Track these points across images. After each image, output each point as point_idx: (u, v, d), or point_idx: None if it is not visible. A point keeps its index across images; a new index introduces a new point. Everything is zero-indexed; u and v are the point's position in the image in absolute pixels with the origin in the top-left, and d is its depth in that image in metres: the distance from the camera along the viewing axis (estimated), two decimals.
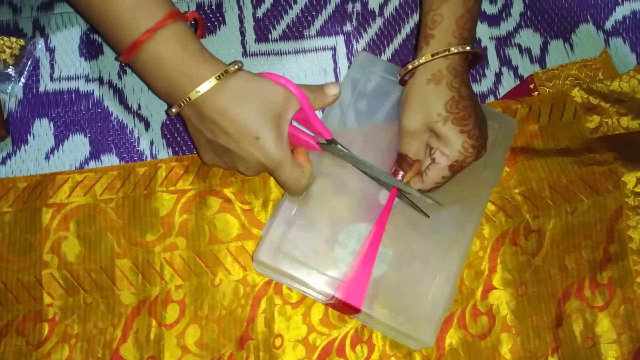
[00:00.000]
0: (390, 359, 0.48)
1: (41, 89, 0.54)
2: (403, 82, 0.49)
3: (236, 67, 0.43)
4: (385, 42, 0.57)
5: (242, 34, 0.56)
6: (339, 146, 0.48)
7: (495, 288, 0.50)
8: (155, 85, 0.45)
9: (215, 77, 0.42)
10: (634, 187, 0.52)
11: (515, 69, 0.57)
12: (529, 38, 0.58)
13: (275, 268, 0.47)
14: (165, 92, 0.44)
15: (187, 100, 0.42)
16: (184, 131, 0.53)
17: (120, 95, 0.54)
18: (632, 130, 0.54)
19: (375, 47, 0.57)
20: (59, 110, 0.53)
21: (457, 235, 0.49)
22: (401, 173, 0.48)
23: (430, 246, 0.48)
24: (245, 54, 0.56)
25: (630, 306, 0.49)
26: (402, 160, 0.48)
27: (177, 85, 0.43)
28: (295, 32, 0.56)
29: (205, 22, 0.54)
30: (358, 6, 0.57)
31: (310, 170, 0.47)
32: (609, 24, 0.59)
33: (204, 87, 0.42)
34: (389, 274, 0.47)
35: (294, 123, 0.47)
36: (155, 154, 0.53)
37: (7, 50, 0.53)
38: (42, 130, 0.53)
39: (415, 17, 0.58)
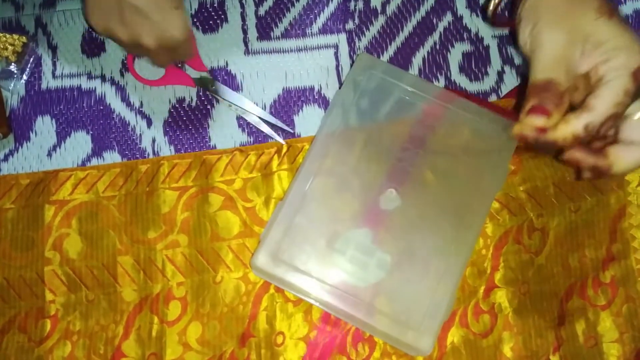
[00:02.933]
0: (391, 357, 0.48)
1: (43, 86, 0.54)
2: (496, 18, 0.41)
3: None
4: (387, 40, 0.57)
5: (245, 31, 0.56)
6: (214, 83, 0.48)
7: (498, 286, 0.50)
8: None
9: None
10: (637, 185, 0.52)
11: (517, 68, 0.57)
12: None
13: (273, 274, 0.47)
14: None
15: None
16: (186, 128, 0.53)
17: (122, 92, 0.54)
18: None
19: (378, 45, 0.57)
20: (61, 107, 0.53)
21: (459, 241, 0.48)
22: (540, 118, 0.34)
23: (431, 253, 0.48)
24: (247, 51, 0.55)
25: (633, 305, 0.49)
26: (545, 92, 0.34)
27: None
28: (297, 30, 0.56)
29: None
30: (360, 4, 0.57)
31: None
32: None
33: None
34: (387, 281, 0.47)
35: None
36: (158, 152, 0.53)
37: (10, 48, 0.53)
38: (45, 127, 0.53)
39: (418, 15, 0.58)
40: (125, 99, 0.54)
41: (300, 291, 0.46)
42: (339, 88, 0.54)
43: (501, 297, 0.49)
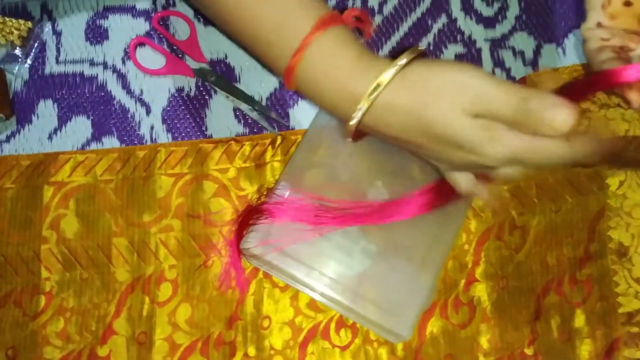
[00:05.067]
0: (372, 344, 0.50)
1: (47, 71, 0.55)
2: None
3: (397, 66, 0.33)
4: (382, 39, 0.58)
5: None
6: (212, 74, 0.51)
7: (478, 280, 0.52)
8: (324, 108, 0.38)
9: (368, 96, 0.34)
10: (616, 189, 0.54)
11: (508, 71, 0.59)
12: (523, 41, 0.60)
13: (262, 258, 0.48)
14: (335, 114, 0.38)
15: (352, 124, 0.36)
16: (184, 117, 0.55)
17: (123, 80, 0.55)
18: (617, 136, 0.56)
19: (374, 44, 0.58)
20: (64, 92, 0.55)
21: (441, 234, 0.50)
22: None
23: (414, 245, 0.50)
24: None
25: (606, 303, 0.51)
26: None
27: (341, 108, 0.37)
28: None
29: (368, 17, 0.45)
30: (358, 2, 0.59)
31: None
32: None
33: (358, 114, 0.35)
34: (372, 270, 0.49)
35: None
36: (155, 139, 0.54)
37: (15, 32, 0.55)
38: (47, 110, 0.54)
39: (414, 16, 0.59)
40: (125, 87, 0.55)
41: (289, 275, 0.48)
42: None
43: (481, 290, 0.51)
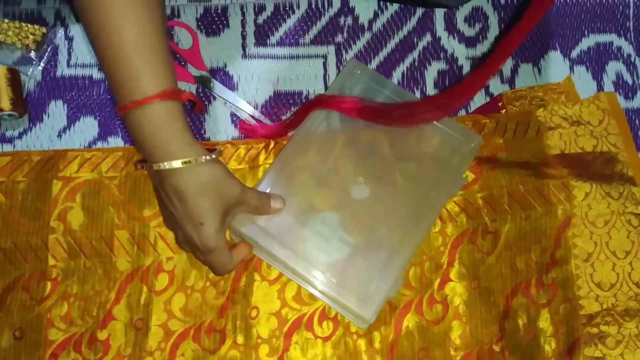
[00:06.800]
0: (352, 336, 0.54)
1: (58, 73, 0.59)
2: None
3: (207, 157, 0.46)
4: (371, 54, 0.63)
5: (243, 37, 0.62)
6: (212, 82, 0.58)
7: (452, 280, 0.56)
8: (136, 143, 0.47)
9: (183, 162, 0.45)
10: (582, 200, 0.58)
11: (486, 88, 0.63)
12: None
13: (247, 237, 0.52)
14: (142, 152, 0.48)
15: (151, 167, 0.46)
16: None
17: None
18: (585, 151, 0.61)
19: (362, 59, 0.63)
20: (73, 93, 0.59)
21: (410, 235, 0.54)
22: None
23: (387, 241, 0.53)
24: (244, 55, 0.61)
25: (570, 305, 0.56)
26: None
27: (151, 154, 0.46)
28: (291, 39, 0.62)
29: (202, 101, 0.60)
30: (349, 20, 0.63)
31: (239, 258, 0.51)
32: (574, 53, 0.65)
33: (169, 165, 0.45)
34: (347, 259, 0.53)
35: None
36: None
37: (30, 37, 0.59)
38: (57, 110, 0.58)
39: (401, 34, 0.64)
40: None
41: (271, 256, 0.52)
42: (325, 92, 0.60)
43: (454, 290, 0.55)
